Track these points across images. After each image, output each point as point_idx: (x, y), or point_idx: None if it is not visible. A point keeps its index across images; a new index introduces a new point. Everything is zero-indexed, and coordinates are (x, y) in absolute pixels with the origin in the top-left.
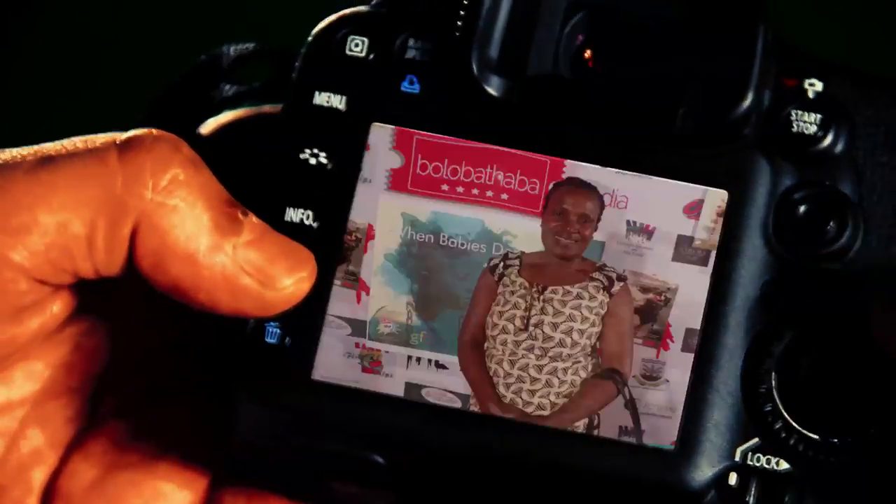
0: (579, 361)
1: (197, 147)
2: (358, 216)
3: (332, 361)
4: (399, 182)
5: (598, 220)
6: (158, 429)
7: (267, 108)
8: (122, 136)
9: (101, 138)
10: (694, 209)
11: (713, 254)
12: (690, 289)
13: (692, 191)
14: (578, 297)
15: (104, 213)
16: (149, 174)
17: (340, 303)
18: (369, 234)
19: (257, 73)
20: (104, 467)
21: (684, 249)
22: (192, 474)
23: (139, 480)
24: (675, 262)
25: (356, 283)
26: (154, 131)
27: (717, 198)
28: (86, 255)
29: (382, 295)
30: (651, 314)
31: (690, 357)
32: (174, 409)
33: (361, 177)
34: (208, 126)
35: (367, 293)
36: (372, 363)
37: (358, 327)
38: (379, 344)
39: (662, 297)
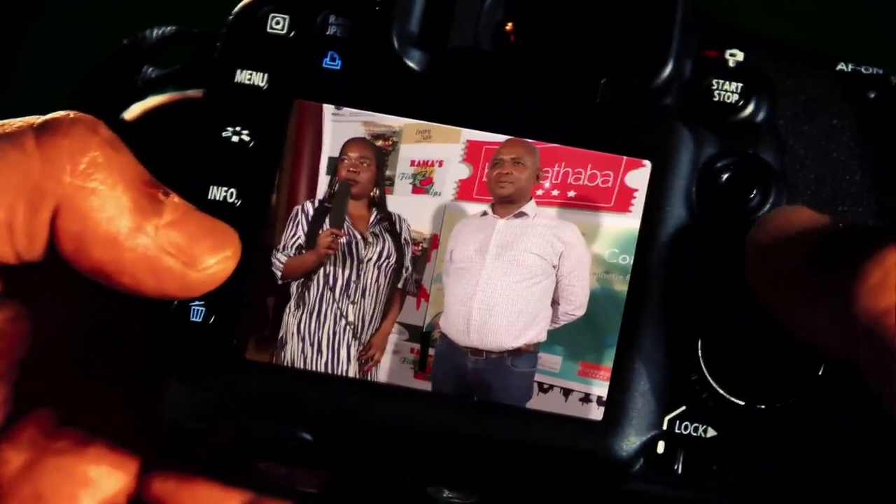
0: None
1: (121, 132)
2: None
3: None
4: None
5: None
6: (86, 414)
7: (191, 92)
8: (39, 119)
9: (17, 122)
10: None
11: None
12: None
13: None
14: None
15: (23, 198)
16: (67, 157)
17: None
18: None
19: (179, 56)
20: (33, 454)
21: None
22: (122, 459)
23: (68, 466)
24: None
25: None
26: (71, 113)
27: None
28: (6, 241)
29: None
30: None
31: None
32: (102, 393)
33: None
34: (133, 111)
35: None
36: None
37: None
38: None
39: None
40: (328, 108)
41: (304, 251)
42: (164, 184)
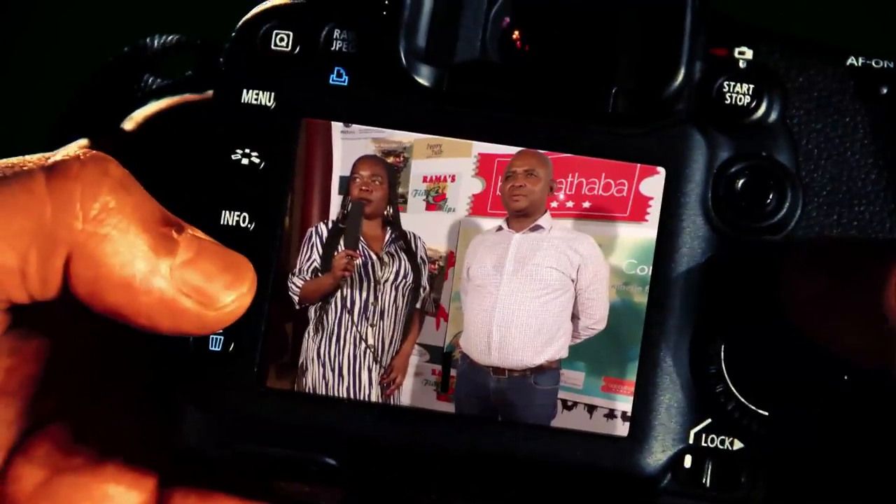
0: None
1: (121, 144)
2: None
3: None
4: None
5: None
6: (102, 429)
7: (193, 96)
8: (49, 159)
9: (28, 162)
10: None
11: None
12: None
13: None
14: None
15: (35, 245)
16: (78, 203)
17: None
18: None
19: (181, 65)
20: (49, 470)
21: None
22: (139, 475)
23: (86, 483)
24: None
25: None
26: (81, 153)
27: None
28: (19, 286)
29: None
30: None
31: None
32: (117, 408)
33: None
34: (134, 120)
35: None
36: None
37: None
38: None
39: None
40: (337, 126)
41: (320, 274)
42: (173, 201)
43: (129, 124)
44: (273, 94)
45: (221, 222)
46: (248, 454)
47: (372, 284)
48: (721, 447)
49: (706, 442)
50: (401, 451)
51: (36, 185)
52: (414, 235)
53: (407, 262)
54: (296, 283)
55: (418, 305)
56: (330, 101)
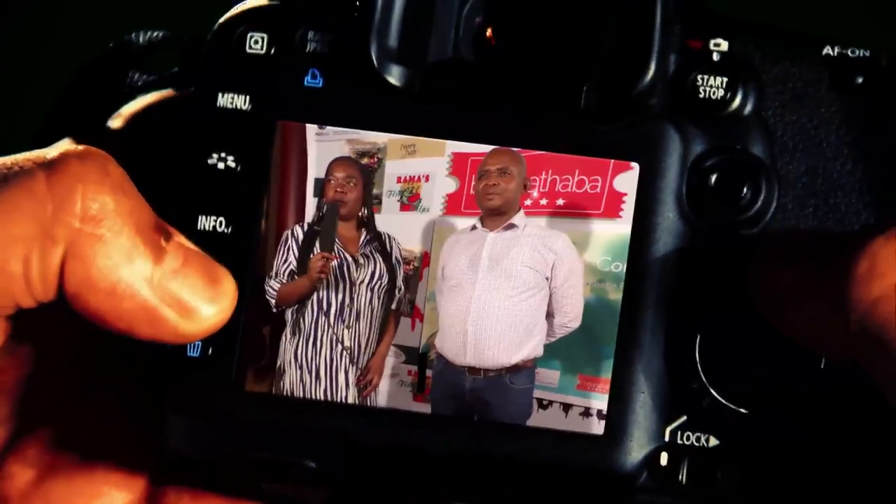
0: None
1: (109, 140)
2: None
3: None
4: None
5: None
6: (93, 428)
7: (179, 92)
8: (47, 156)
9: (25, 160)
10: None
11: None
12: None
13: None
14: None
15: (37, 246)
16: (78, 201)
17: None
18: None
19: (167, 61)
20: (41, 469)
21: None
22: (131, 474)
23: (78, 482)
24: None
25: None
26: (80, 150)
27: None
28: (24, 291)
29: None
30: None
31: None
32: (108, 407)
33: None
34: (121, 116)
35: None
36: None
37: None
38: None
39: None
40: (311, 128)
41: (296, 277)
42: (154, 204)
43: (115, 121)
44: (248, 96)
45: (199, 227)
46: (232, 458)
47: (348, 286)
48: (697, 444)
49: (682, 439)
50: (378, 452)
51: (36, 185)
52: (389, 236)
53: (382, 264)
54: (272, 287)
55: (394, 306)
56: (305, 102)
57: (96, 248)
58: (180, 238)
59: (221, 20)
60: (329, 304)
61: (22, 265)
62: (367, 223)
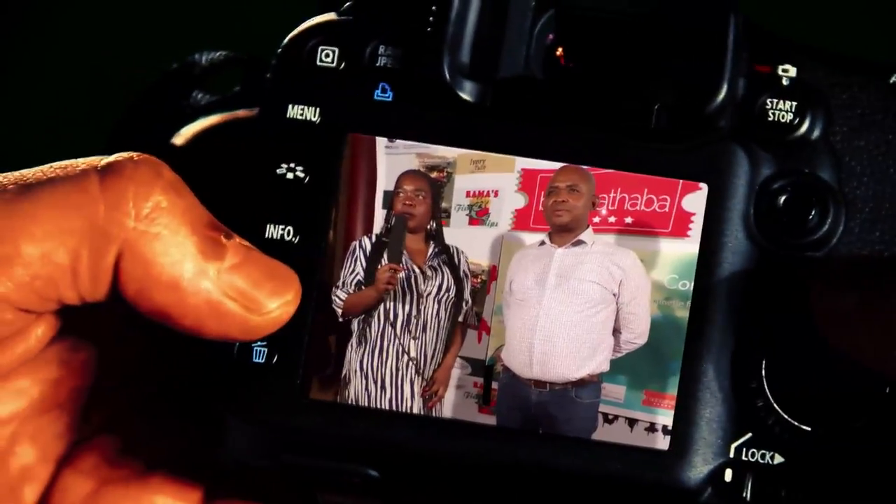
0: None
1: (172, 159)
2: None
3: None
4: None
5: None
6: (148, 441)
7: (241, 112)
8: (102, 161)
9: (81, 164)
10: None
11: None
12: None
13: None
14: None
15: (87, 242)
16: (131, 202)
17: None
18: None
19: (229, 81)
20: (97, 482)
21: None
22: (186, 487)
23: (133, 494)
24: None
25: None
26: (135, 155)
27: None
28: (70, 284)
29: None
30: None
31: None
32: (163, 420)
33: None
34: (183, 136)
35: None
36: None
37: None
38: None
39: None
40: (381, 141)
41: (363, 287)
42: (220, 214)
43: (178, 140)
44: (318, 108)
45: (266, 235)
46: (291, 466)
47: (415, 298)
48: (762, 461)
49: (747, 456)
50: (442, 463)
51: (90, 184)
52: (457, 249)
53: (450, 276)
54: (339, 296)
55: (461, 319)
56: (374, 116)
57: (154, 246)
58: (240, 239)
59: (293, 34)
60: (396, 315)
61: (69, 258)
62: (435, 236)
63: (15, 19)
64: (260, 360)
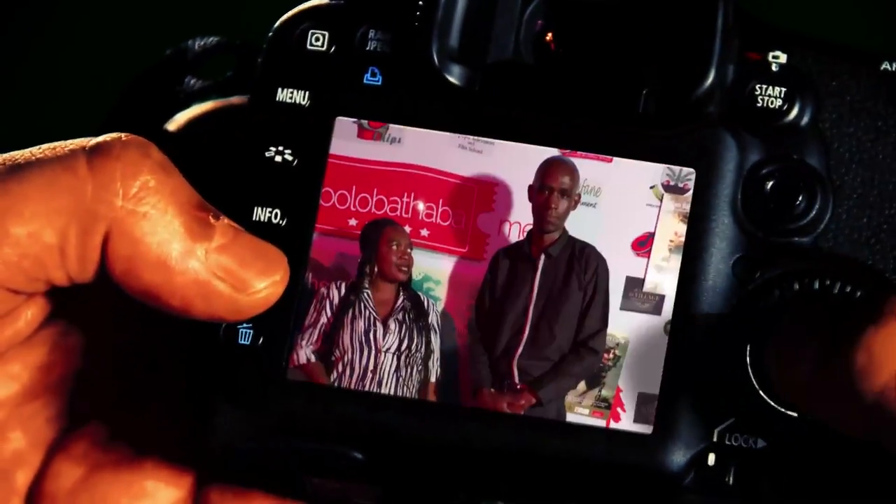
0: None
1: (164, 143)
2: None
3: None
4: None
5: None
6: (140, 427)
7: (235, 99)
8: (90, 141)
9: (69, 144)
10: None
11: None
12: None
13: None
14: None
15: (75, 221)
16: (119, 181)
17: None
18: None
19: (222, 66)
20: (88, 467)
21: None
22: (177, 471)
23: (125, 479)
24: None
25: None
26: (123, 136)
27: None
28: (58, 264)
29: None
30: None
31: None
32: (154, 406)
33: None
34: (176, 122)
35: None
36: None
37: None
38: None
39: None
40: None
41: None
42: (209, 197)
43: (171, 126)
44: (308, 92)
45: (254, 218)
46: (277, 449)
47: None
48: (745, 446)
49: (730, 441)
50: (426, 445)
51: (78, 164)
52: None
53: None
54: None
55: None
56: (363, 100)
57: (142, 225)
58: (229, 220)
59: (284, 18)
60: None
61: (58, 237)
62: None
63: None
64: (246, 342)
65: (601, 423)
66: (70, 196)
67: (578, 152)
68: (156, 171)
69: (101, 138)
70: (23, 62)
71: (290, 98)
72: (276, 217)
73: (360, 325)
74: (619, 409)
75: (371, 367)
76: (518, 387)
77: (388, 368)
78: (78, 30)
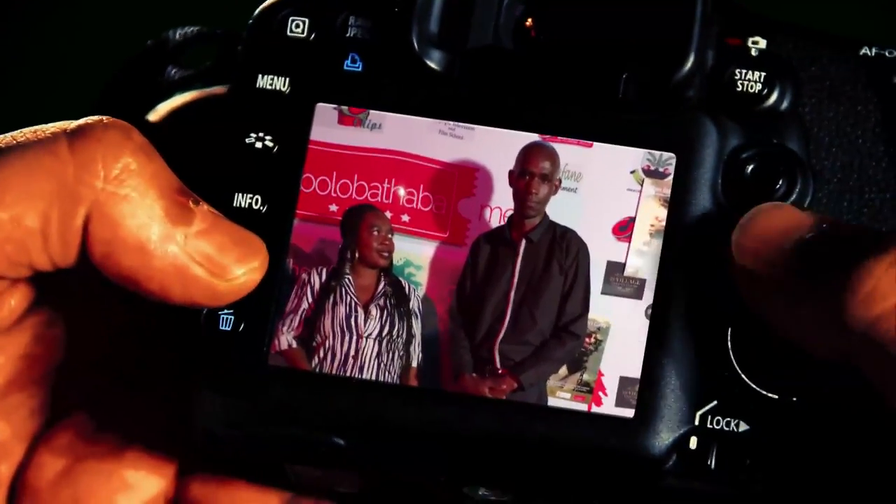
0: None
1: (146, 133)
2: None
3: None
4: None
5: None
6: (123, 418)
7: (217, 89)
8: (72, 124)
9: (50, 128)
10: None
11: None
12: None
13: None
14: None
15: (57, 204)
16: (100, 163)
17: None
18: None
19: (203, 56)
20: (71, 459)
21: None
22: (159, 462)
23: (107, 470)
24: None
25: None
26: (104, 119)
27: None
28: (41, 248)
29: None
30: None
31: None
32: (137, 397)
33: None
34: (158, 112)
35: None
36: None
37: None
38: None
39: None
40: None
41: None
42: (190, 185)
43: (153, 116)
44: (288, 79)
45: (234, 204)
46: (258, 435)
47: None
48: (727, 429)
49: (712, 424)
50: (408, 430)
51: (59, 147)
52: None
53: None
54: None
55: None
56: (344, 86)
57: (122, 207)
58: (209, 206)
59: (264, 5)
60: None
61: (40, 220)
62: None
63: None
64: (226, 328)
65: (583, 407)
66: (52, 178)
67: (559, 137)
68: (137, 153)
69: (82, 121)
70: (4, 56)
71: (271, 84)
72: (256, 203)
73: (342, 310)
74: (600, 394)
75: (352, 352)
76: (499, 371)
77: (369, 354)
78: (58, 24)
